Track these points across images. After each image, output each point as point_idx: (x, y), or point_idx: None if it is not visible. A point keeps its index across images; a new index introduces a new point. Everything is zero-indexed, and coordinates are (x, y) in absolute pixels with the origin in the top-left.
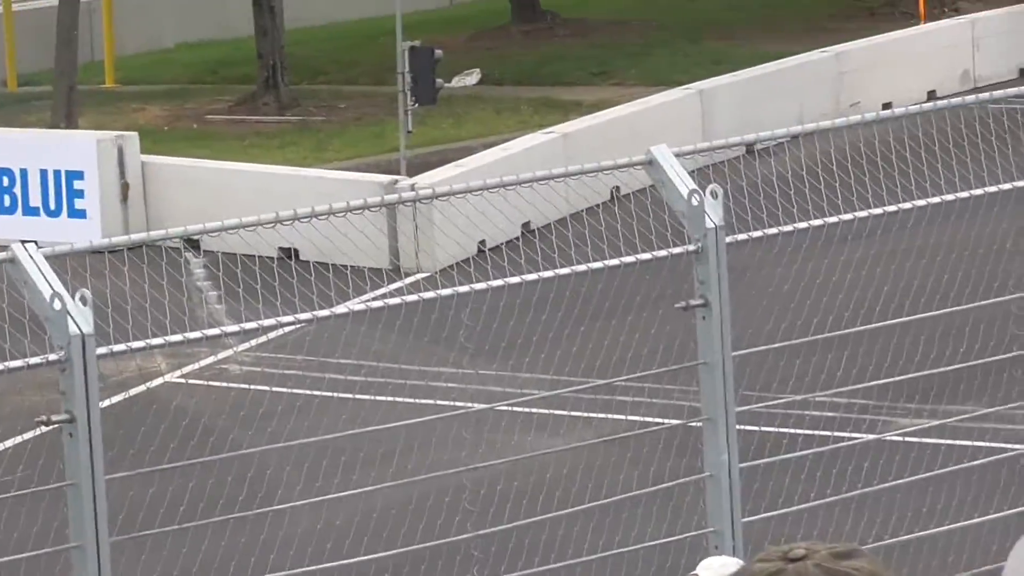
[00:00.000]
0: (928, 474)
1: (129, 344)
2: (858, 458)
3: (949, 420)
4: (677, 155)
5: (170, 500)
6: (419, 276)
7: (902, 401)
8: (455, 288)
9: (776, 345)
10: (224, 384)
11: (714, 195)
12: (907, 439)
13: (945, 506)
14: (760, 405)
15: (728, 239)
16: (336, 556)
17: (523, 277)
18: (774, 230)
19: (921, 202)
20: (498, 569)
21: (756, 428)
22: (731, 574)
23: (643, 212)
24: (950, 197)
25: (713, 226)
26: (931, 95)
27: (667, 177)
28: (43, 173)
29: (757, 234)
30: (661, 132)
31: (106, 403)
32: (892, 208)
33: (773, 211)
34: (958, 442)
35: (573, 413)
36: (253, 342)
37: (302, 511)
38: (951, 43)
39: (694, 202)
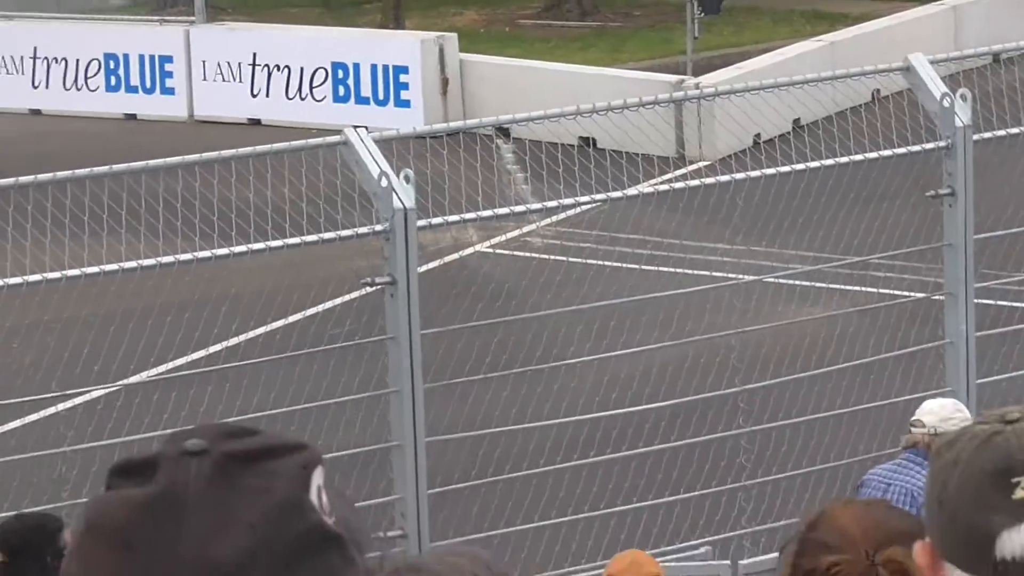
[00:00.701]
0: None
1: (445, 218)
2: None
3: None
4: (932, 62)
5: (476, 353)
6: (701, 164)
7: None
8: (732, 175)
9: (1014, 230)
10: (527, 254)
11: (964, 98)
12: None
13: None
14: (997, 282)
15: (975, 137)
16: (619, 405)
17: (792, 167)
18: (1016, 130)
19: None
20: (761, 418)
21: (992, 302)
22: (951, 435)
23: (900, 113)
24: None
25: (962, 125)
26: None
27: (922, 81)
28: (373, 68)
29: (1001, 133)
30: (917, 42)
31: (423, 268)
32: None
33: (1016, 114)
34: None
35: (831, 286)
36: (553, 218)
37: (590, 366)
38: None
39: (945, 104)
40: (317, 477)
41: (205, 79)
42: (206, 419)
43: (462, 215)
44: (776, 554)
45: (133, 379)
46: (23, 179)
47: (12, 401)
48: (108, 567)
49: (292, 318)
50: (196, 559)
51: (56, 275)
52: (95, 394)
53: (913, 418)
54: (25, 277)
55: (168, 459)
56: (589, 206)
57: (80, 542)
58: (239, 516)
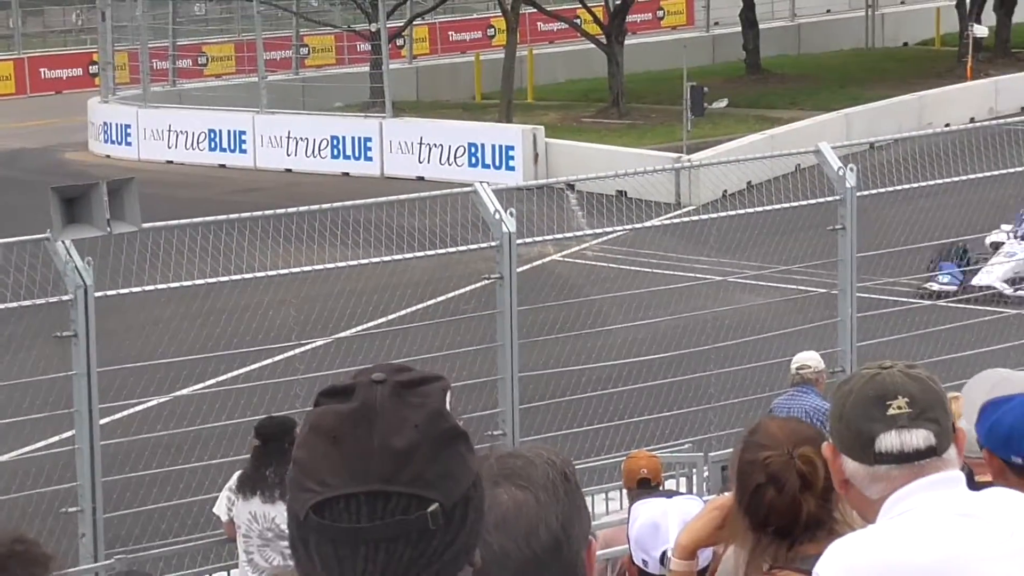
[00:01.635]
0: None
1: (534, 238)
2: None
3: None
4: (833, 147)
5: (552, 322)
6: (690, 207)
7: None
8: (709, 215)
9: (882, 251)
10: (583, 262)
11: (851, 169)
12: None
13: None
14: (871, 283)
15: (859, 193)
16: (638, 354)
17: (745, 210)
18: (884, 190)
19: None
20: (724, 364)
21: (867, 295)
22: (847, 376)
23: (812, 178)
24: None
25: (850, 186)
26: (972, 119)
27: (826, 159)
28: (494, 146)
29: (874, 191)
30: (824, 135)
31: (520, 269)
32: None
33: (884, 179)
34: None
35: (769, 284)
36: (600, 240)
37: (622, 330)
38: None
39: (840, 172)
40: (449, 396)
41: (391, 152)
42: (386, 360)
43: (544, 237)
44: (731, 450)
45: (344, 333)
46: (281, 210)
47: (277, 345)
48: (324, 454)
49: (440, 298)
50: (382, 447)
51: (308, 268)
52: (319, 343)
53: (798, 365)
54: (291, 269)
55: (362, 385)
56: (622, 232)
57: (305, 438)
58: (408, 420)
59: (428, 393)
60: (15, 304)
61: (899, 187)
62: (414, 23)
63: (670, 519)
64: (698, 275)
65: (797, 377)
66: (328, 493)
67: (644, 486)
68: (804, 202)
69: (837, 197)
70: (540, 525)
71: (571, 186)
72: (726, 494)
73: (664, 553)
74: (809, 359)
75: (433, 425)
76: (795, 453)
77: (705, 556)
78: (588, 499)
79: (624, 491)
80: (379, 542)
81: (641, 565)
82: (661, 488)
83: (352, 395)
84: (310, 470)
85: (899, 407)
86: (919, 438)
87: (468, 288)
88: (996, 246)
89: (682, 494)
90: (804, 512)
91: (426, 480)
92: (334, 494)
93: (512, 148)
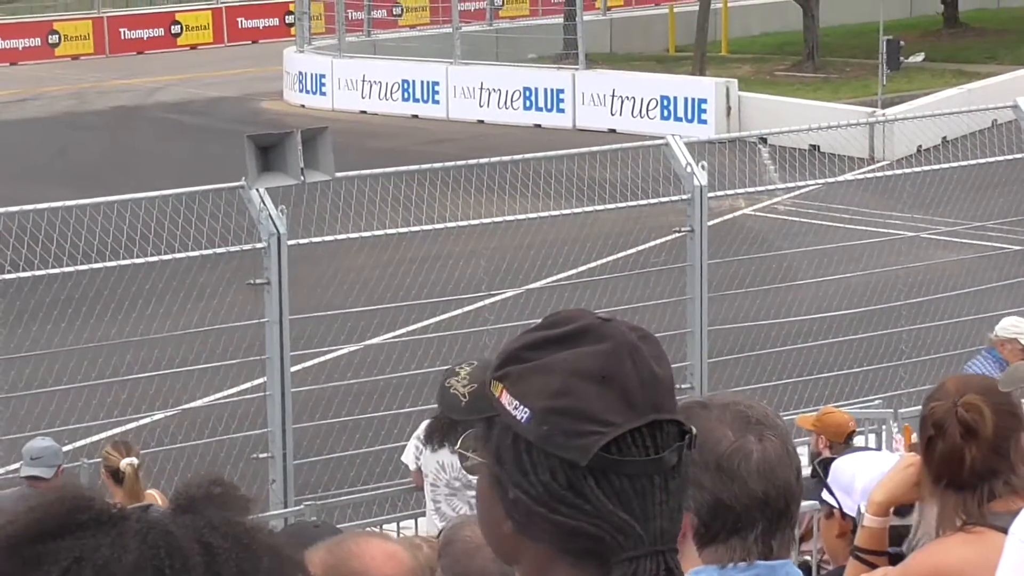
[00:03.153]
0: None
1: (726, 191)
2: None
3: None
4: None
5: (743, 276)
6: (883, 163)
7: None
8: (903, 170)
9: None
10: (775, 216)
11: None
12: None
13: None
14: None
15: None
16: (828, 310)
17: (940, 165)
18: None
19: None
20: (915, 321)
21: None
22: None
23: (1011, 134)
24: None
25: None
26: None
27: (1022, 113)
28: (686, 99)
29: None
30: (1020, 92)
31: (711, 223)
32: None
33: None
34: None
35: (962, 240)
36: (793, 194)
37: (812, 285)
38: None
39: None
40: (626, 347)
41: (583, 104)
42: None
43: (735, 190)
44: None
45: (534, 284)
46: (472, 161)
47: (467, 296)
48: (597, 394)
49: (630, 250)
50: (651, 378)
51: (498, 219)
52: (509, 294)
53: (999, 329)
54: (481, 219)
55: (613, 325)
56: (814, 187)
57: (566, 384)
58: (654, 354)
59: (615, 329)
60: (210, 251)
61: None
62: None
63: (869, 472)
64: (891, 231)
65: (994, 340)
66: (617, 431)
67: (849, 440)
68: (1000, 158)
69: None
70: (792, 474)
71: (764, 140)
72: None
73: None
74: (1004, 324)
75: (666, 358)
76: (959, 401)
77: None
78: None
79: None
80: (666, 471)
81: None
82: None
83: (585, 336)
84: (586, 413)
85: None
86: None
87: (659, 241)
88: None
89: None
90: (968, 461)
91: (675, 407)
92: (622, 430)
93: (705, 101)
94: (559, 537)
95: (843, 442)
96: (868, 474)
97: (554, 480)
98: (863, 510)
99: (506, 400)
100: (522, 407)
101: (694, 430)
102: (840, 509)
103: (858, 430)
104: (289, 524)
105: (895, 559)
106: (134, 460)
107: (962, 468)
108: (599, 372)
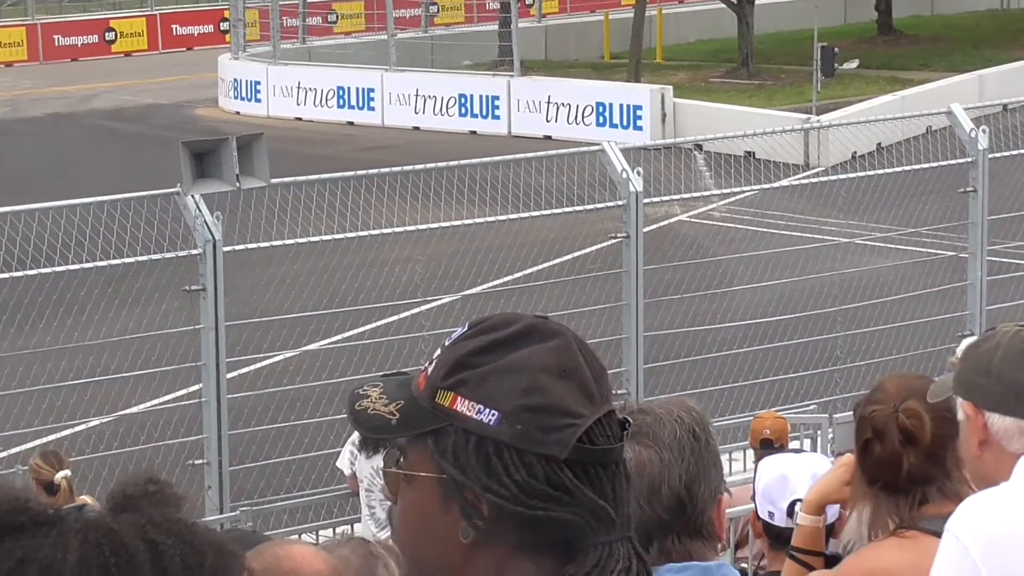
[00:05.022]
0: None
1: (662, 197)
2: None
3: None
4: (964, 108)
5: (678, 283)
6: (818, 169)
7: None
8: (837, 176)
9: None
10: (710, 222)
11: (984, 131)
12: None
13: None
14: (1002, 246)
15: (990, 156)
16: (763, 316)
17: (875, 172)
18: (1007, 153)
19: None
20: (850, 326)
21: (996, 259)
22: (985, 335)
23: (943, 140)
24: None
25: (982, 148)
26: None
27: (958, 120)
28: (622, 106)
29: (1009, 153)
30: (956, 96)
31: (647, 229)
32: None
33: (1016, 143)
34: None
35: (895, 247)
36: (727, 200)
37: (746, 292)
38: None
39: (972, 134)
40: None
41: (519, 110)
42: (516, 310)
43: (671, 196)
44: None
45: (470, 291)
46: (408, 167)
47: (403, 302)
48: (563, 388)
49: (566, 257)
50: (600, 370)
51: (434, 225)
52: (445, 300)
53: (960, 351)
54: (417, 226)
55: (536, 324)
56: (750, 193)
57: (534, 381)
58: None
59: (558, 330)
60: (145, 258)
61: None
62: None
63: (799, 472)
64: (826, 237)
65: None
66: (587, 422)
67: (766, 447)
68: (935, 164)
69: (969, 159)
70: (663, 485)
71: (699, 146)
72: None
73: (792, 504)
74: (964, 347)
75: (574, 356)
76: (900, 407)
77: (832, 513)
78: None
79: (748, 452)
80: (620, 460)
81: (767, 518)
82: (785, 449)
83: (533, 334)
84: (557, 408)
85: None
86: None
87: (594, 247)
88: None
89: (808, 453)
90: (905, 466)
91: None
92: (591, 420)
93: (640, 108)
94: (531, 532)
95: (759, 447)
96: (768, 475)
97: (532, 477)
98: (798, 507)
99: (464, 407)
100: (488, 410)
101: (630, 420)
102: (755, 512)
103: (794, 435)
104: (225, 530)
105: (831, 560)
106: (68, 472)
107: (899, 473)
108: (560, 367)
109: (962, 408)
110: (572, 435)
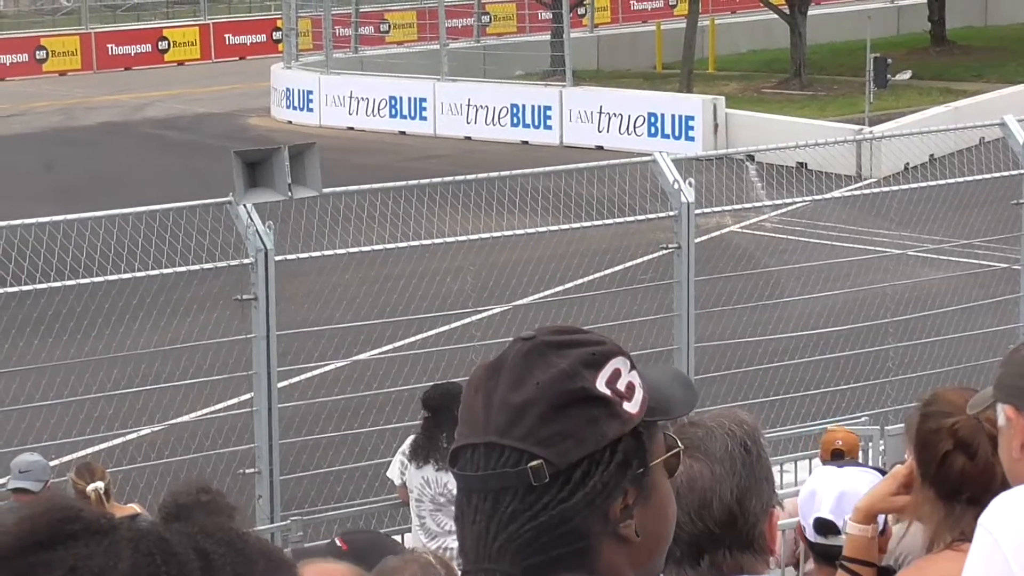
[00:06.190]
0: None
1: (713, 208)
2: None
3: None
4: (1019, 120)
5: (730, 293)
6: (871, 180)
7: None
8: (890, 187)
9: None
10: (762, 233)
11: None
12: None
13: None
14: None
15: None
16: (816, 327)
17: (928, 183)
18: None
19: None
20: (902, 337)
21: None
22: (1020, 343)
23: (997, 151)
24: None
25: None
26: None
27: (1011, 132)
28: (674, 116)
29: None
30: (1010, 108)
31: (698, 240)
32: None
33: None
34: None
35: (948, 258)
36: (780, 211)
37: (799, 303)
38: None
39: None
40: (616, 363)
41: (571, 120)
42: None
43: (722, 207)
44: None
45: (521, 301)
46: (460, 177)
47: (454, 312)
48: (467, 405)
49: (617, 267)
50: (501, 401)
51: (486, 235)
52: (496, 310)
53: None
54: (469, 236)
55: (513, 342)
56: (801, 204)
57: (463, 393)
58: (533, 377)
59: (570, 354)
60: (197, 267)
61: None
62: None
63: (828, 487)
64: (878, 248)
65: None
66: (459, 442)
67: (837, 457)
68: (987, 175)
69: (1022, 171)
70: (714, 498)
71: (751, 157)
72: (901, 464)
73: (817, 520)
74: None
75: (556, 384)
76: (981, 417)
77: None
78: None
79: (800, 463)
80: (487, 492)
81: (803, 531)
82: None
83: (507, 353)
84: (459, 420)
85: None
86: None
87: (646, 258)
88: None
89: (860, 466)
90: (999, 476)
91: (538, 437)
92: (461, 444)
93: (692, 118)
94: None
95: (829, 458)
96: (805, 489)
97: None
98: (847, 519)
99: None
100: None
101: (537, 463)
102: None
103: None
104: (349, 531)
105: (883, 572)
106: (99, 484)
107: (992, 484)
108: (473, 384)
109: (1003, 412)
110: (451, 450)
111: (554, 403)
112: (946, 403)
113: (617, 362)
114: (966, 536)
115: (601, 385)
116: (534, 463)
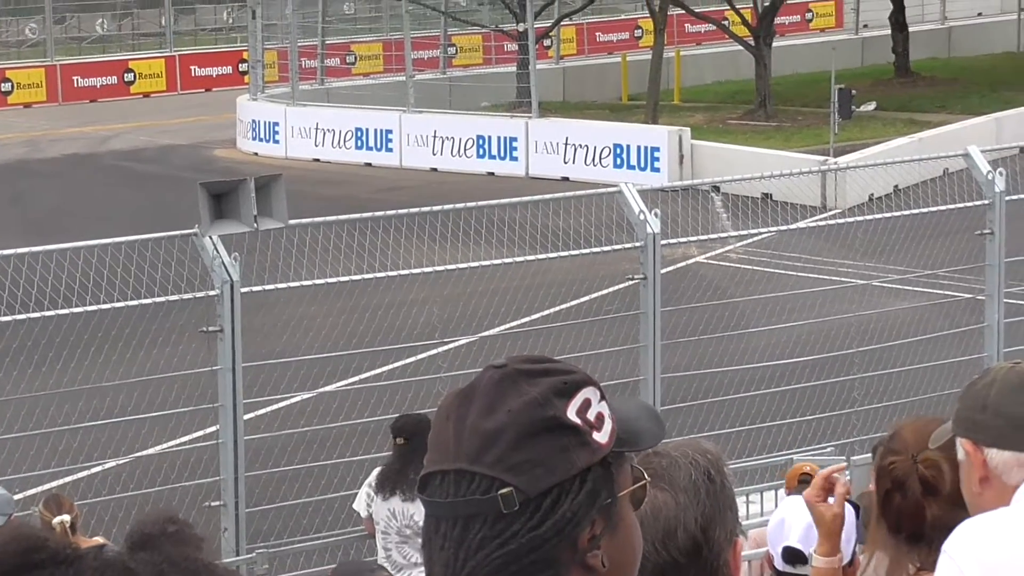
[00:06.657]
0: None
1: (679, 239)
2: None
3: None
4: (981, 151)
5: (695, 324)
6: (835, 211)
7: None
8: (854, 218)
9: None
10: (727, 264)
11: (1000, 173)
12: None
13: None
14: (1019, 288)
15: (1007, 198)
16: (781, 358)
17: (892, 214)
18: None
19: None
20: (868, 368)
21: (1015, 301)
22: (980, 374)
23: (960, 182)
24: None
25: (999, 190)
26: None
27: (974, 162)
28: (639, 148)
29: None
30: (974, 138)
31: (664, 270)
32: None
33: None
34: None
35: (913, 288)
36: (744, 242)
37: (763, 333)
38: None
39: (988, 176)
40: (586, 392)
41: (536, 152)
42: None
43: (688, 238)
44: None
45: (487, 332)
46: (426, 208)
47: (420, 343)
48: (437, 431)
49: (584, 298)
50: (472, 428)
51: (452, 267)
52: (462, 341)
53: None
54: (435, 267)
55: (485, 370)
56: (767, 234)
57: (433, 419)
58: (504, 404)
59: (541, 383)
60: (163, 299)
61: None
62: (561, 23)
63: (797, 516)
64: (843, 279)
65: None
66: (428, 468)
67: (805, 483)
68: (952, 206)
69: (986, 201)
70: (678, 528)
71: (716, 188)
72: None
73: (785, 549)
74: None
75: (527, 412)
76: (918, 458)
77: (847, 554)
78: None
79: (766, 494)
80: (456, 519)
81: (772, 560)
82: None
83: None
84: (429, 447)
85: None
86: None
87: (612, 288)
88: None
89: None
90: (928, 517)
91: (508, 464)
92: (430, 470)
93: (658, 149)
94: None
95: (795, 485)
96: (774, 518)
97: None
98: (813, 551)
99: None
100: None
101: (507, 490)
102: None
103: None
104: (341, 563)
105: None
106: (66, 517)
107: (923, 523)
108: (443, 410)
109: (962, 447)
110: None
111: (525, 431)
112: (899, 440)
113: (588, 392)
114: (926, 567)
115: (572, 414)
116: (504, 490)
